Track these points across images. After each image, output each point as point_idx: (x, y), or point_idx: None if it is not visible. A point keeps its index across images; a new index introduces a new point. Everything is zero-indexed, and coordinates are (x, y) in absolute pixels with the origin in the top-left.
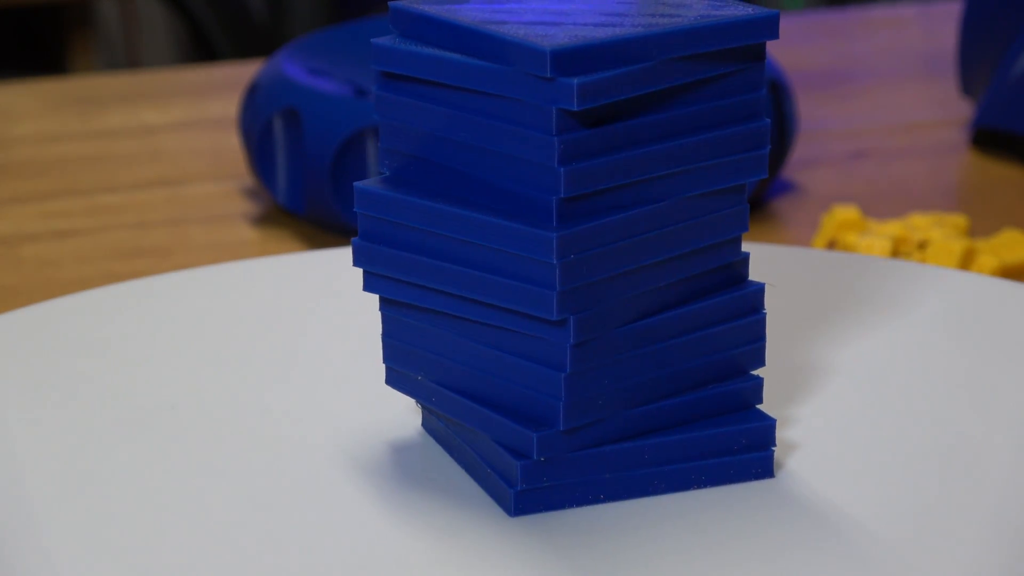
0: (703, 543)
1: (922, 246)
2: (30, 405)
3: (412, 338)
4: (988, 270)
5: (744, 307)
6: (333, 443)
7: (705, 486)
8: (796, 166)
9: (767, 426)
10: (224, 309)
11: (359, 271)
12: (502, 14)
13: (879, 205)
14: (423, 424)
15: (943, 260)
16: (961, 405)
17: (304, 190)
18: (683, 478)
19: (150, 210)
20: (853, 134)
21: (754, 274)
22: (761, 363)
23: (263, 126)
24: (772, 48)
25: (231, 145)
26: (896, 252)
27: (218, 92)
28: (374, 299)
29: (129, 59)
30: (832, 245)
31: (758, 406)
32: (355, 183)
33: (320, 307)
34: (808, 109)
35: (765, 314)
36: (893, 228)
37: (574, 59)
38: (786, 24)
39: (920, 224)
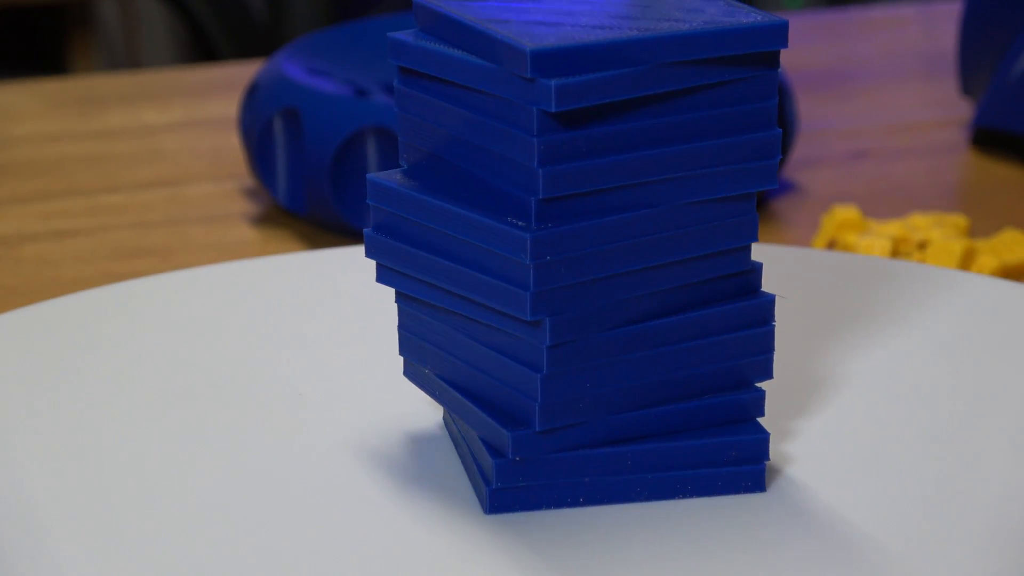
0: (684, 549)
1: (922, 246)
2: (30, 405)
3: (420, 331)
4: (988, 270)
5: (753, 318)
6: (333, 443)
7: (692, 496)
8: (796, 166)
9: (760, 439)
10: (224, 309)
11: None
12: (512, 12)
13: (879, 205)
14: (443, 419)
15: (943, 260)
16: (961, 406)
17: (304, 190)
18: (669, 487)
19: (150, 210)
20: (853, 134)
21: None
22: (768, 375)
23: (263, 126)
24: None
25: (231, 145)
26: (896, 252)
27: (218, 92)
28: (375, 299)
29: (129, 59)
30: (832, 245)
31: (759, 419)
32: (368, 174)
33: (320, 307)
34: (808, 109)
35: (774, 326)
36: (893, 228)
37: (555, 60)
38: None
39: (920, 224)
